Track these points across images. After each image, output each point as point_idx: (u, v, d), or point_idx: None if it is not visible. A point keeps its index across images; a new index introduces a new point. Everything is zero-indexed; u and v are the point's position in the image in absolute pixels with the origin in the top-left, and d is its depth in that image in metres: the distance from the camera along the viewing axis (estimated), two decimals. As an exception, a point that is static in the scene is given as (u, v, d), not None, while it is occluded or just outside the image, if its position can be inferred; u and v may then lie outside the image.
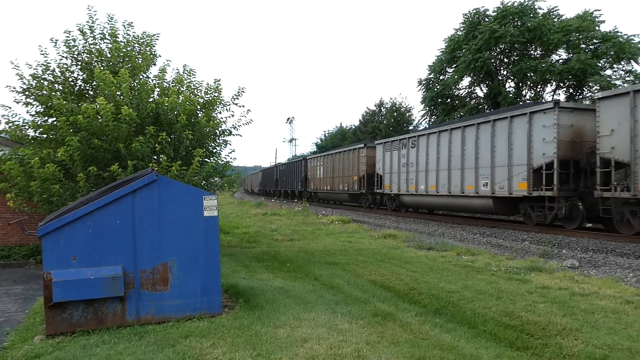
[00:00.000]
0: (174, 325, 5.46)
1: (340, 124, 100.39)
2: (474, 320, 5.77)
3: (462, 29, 32.55)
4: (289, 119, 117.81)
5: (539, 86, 30.23)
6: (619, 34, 27.19)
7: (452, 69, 33.27)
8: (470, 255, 11.13)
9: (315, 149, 74.70)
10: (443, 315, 6.00)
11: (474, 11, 31.98)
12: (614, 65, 27.51)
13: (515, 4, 29.72)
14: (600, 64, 27.25)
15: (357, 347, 4.69)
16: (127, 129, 8.69)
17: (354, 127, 66.22)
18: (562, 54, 29.87)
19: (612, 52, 26.50)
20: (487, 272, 9.06)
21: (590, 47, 27.95)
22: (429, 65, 35.62)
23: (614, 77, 27.15)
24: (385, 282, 8.07)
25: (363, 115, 61.76)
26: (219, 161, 10.79)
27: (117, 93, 9.16)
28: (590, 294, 7.25)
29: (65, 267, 5.15)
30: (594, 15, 28.07)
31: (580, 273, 9.09)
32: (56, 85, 9.92)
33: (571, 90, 28.82)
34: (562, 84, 29.24)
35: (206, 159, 10.62)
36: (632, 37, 26.91)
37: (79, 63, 10.16)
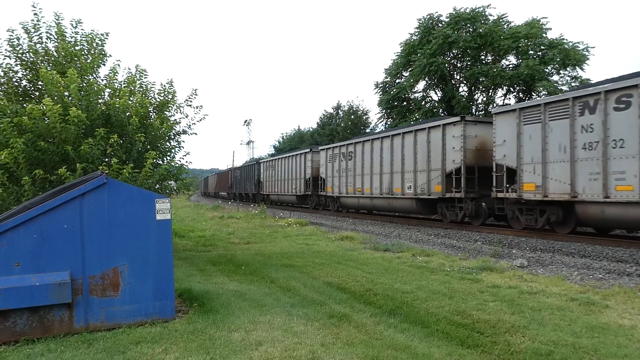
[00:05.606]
0: (125, 331, 5.32)
1: (299, 126, 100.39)
2: (427, 320, 5.88)
3: (417, 33, 33.11)
4: (246, 121, 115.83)
5: (491, 90, 31.12)
6: (564, 41, 28.31)
7: (407, 73, 33.81)
8: (425, 256, 11.32)
9: (274, 152, 74.62)
10: (397, 316, 6.09)
11: (428, 16, 32.61)
12: (561, 71, 28.62)
13: (468, 10, 30.49)
14: (547, 70, 28.28)
15: (312, 349, 4.69)
16: (75, 131, 8.39)
17: (312, 129, 66.29)
18: (512, 60, 30.88)
19: (559, 59, 27.54)
20: (440, 273, 9.24)
21: (538, 53, 28.97)
22: (385, 69, 36.11)
23: (560, 82, 28.25)
24: (342, 284, 8.12)
25: (321, 117, 61.85)
26: (173, 164, 10.56)
27: (65, 94, 8.85)
28: (537, 292, 7.50)
29: (7, 273, 4.93)
30: (541, 22, 29.10)
31: (528, 272, 9.39)
32: (-1, 85, 9.51)
33: (521, 95, 29.78)
34: (512, 89, 30.20)
35: (160, 162, 10.38)
36: (577, 44, 28.08)
37: (24, 63, 9.76)
